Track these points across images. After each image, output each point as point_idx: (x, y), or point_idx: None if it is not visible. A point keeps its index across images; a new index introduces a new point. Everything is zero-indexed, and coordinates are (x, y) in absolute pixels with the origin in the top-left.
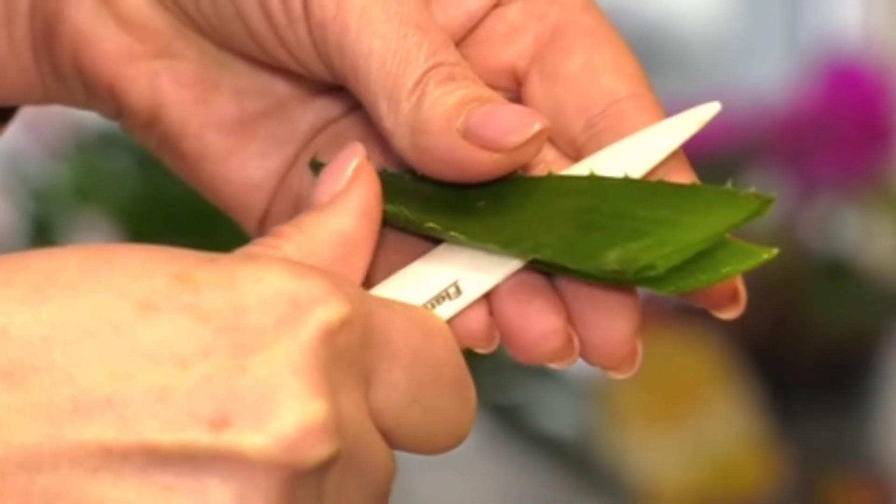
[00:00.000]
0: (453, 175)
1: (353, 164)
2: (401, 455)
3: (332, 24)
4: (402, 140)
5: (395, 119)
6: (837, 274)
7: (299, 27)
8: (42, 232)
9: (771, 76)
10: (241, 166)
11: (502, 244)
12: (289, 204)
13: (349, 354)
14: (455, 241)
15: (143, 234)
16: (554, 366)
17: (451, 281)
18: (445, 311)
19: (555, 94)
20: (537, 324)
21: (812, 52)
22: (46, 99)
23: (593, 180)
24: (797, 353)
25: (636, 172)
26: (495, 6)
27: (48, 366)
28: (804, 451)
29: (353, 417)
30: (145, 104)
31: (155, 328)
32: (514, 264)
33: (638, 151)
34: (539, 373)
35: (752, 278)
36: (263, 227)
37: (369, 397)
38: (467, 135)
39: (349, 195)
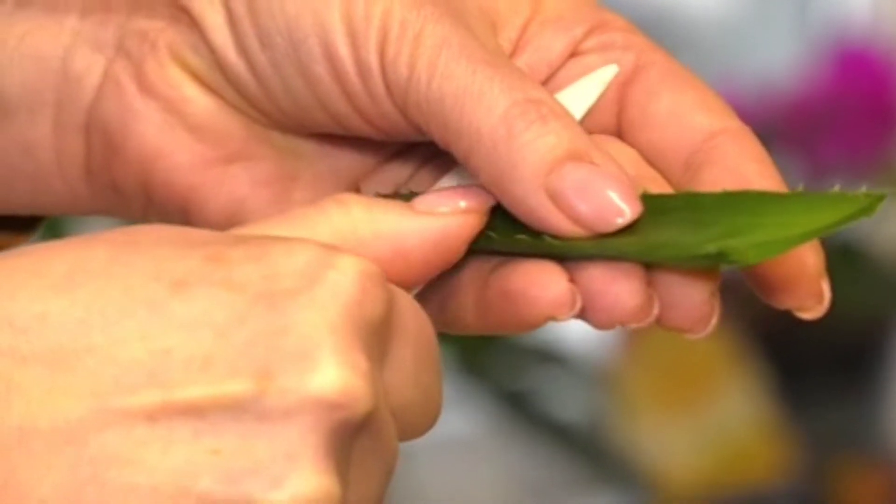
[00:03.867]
0: (535, 227)
1: (474, 202)
2: (411, 441)
3: (408, 85)
4: (485, 178)
5: (477, 157)
6: (848, 258)
7: (379, 97)
8: (50, 229)
9: (780, 59)
10: None
11: (597, 249)
12: None
13: (376, 327)
14: (550, 250)
15: None
16: (633, 326)
17: None
18: None
19: (648, 139)
20: (620, 284)
21: (821, 35)
22: (92, 211)
23: (690, 195)
24: (808, 338)
25: None
26: (571, 56)
27: (88, 348)
28: (815, 436)
29: (378, 388)
30: (223, 212)
31: (190, 303)
32: None
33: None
34: (549, 359)
35: None
36: None
37: (384, 372)
38: (558, 200)
39: (439, 220)
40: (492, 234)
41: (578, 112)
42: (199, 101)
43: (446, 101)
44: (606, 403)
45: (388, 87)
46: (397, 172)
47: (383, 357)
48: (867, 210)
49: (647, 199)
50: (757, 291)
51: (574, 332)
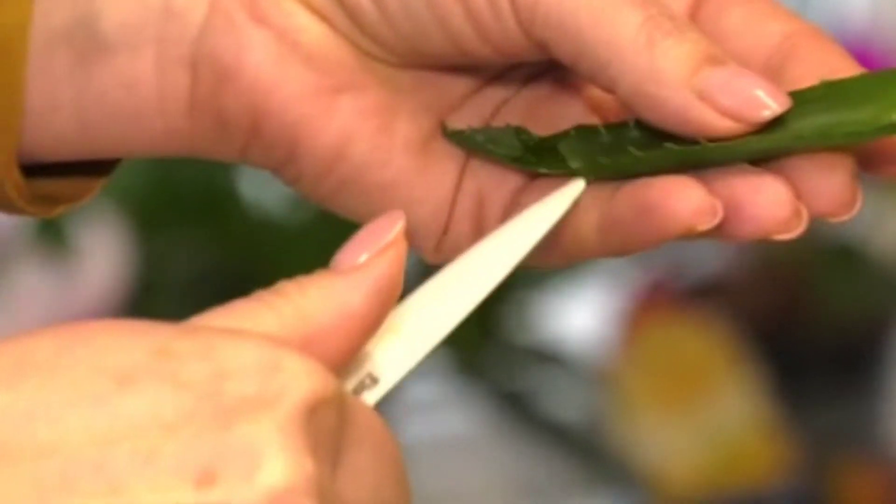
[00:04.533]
0: (681, 129)
1: (388, 237)
2: (410, 440)
3: (537, 3)
4: (628, 85)
5: (619, 66)
6: (847, 258)
7: (504, 13)
8: (50, 223)
9: None
10: (428, 186)
11: (756, 145)
12: (470, 206)
13: (326, 432)
14: (700, 155)
15: (152, 224)
16: (781, 237)
17: (366, 371)
18: (368, 399)
19: (726, 48)
20: (766, 193)
21: None
22: (187, 149)
23: (827, 84)
24: (807, 337)
25: (513, 259)
26: None
27: (33, 441)
28: (814, 436)
29: (327, 493)
30: (332, 143)
31: (137, 397)
32: (425, 347)
33: (512, 238)
34: (547, 359)
35: (761, 262)
36: (442, 244)
37: (336, 481)
38: (705, 97)
39: (369, 270)
40: (632, 149)
41: (539, 231)
42: (312, 29)
43: (581, 12)
44: (605, 403)
45: (515, 7)
46: (494, 97)
47: (335, 463)
48: None
49: (790, 94)
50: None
51: (572, 332)
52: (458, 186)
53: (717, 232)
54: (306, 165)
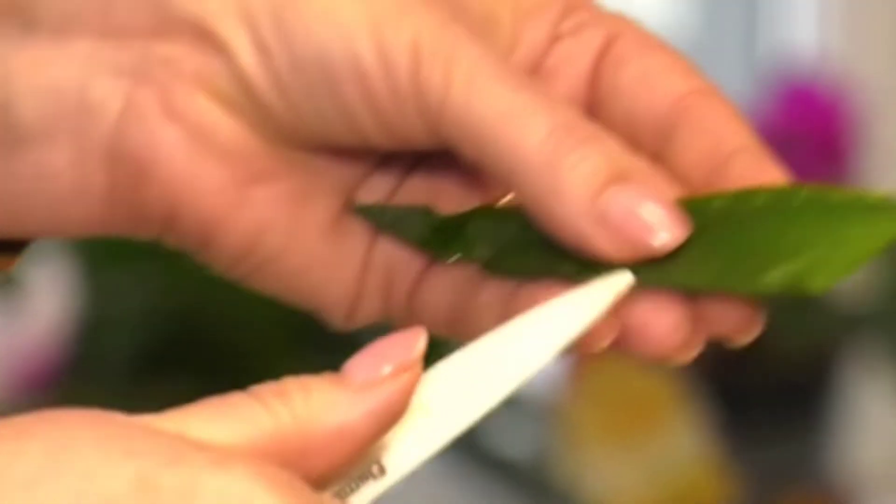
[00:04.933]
0: (579, 250)
1: (406, 357)
2: None
3: (443, 105)
4: (528, 199)
5: (521, 179)
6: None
7: (410, 117)
8: None
9: (727, 94)
10: (339, 263)
11: (643, 276)
12: (379, 281)
13: None
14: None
15: (101, 259)
16: (677, 359)
17: (374, 459)
18: (370, 491)
19: (620, 108)
20: (662, 318)
21: (768, 69)
22: (107, 232)
23: (732, 203)
24: (752, 373)
25: (549, 351)
26: (553, 42)
27: None
28: (759, 470)
29: None
30: (246, 234)
31: None
32: (440, 438)
33: (549, 327)
34: None
35: None
36: (353, 316)
37: None
38: (604, 223)
39: (378, 392)
40: (536, 250)
41: (579, 325)
42: (225, 125)
43: (487, 121)
44: (553, 439)
45: (420, 107)
46: (396, 171)
47: None
48: None
49: (688, 206)
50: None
51: None
52: (367, 261)
53: (615, 348)
54: (220, 253)
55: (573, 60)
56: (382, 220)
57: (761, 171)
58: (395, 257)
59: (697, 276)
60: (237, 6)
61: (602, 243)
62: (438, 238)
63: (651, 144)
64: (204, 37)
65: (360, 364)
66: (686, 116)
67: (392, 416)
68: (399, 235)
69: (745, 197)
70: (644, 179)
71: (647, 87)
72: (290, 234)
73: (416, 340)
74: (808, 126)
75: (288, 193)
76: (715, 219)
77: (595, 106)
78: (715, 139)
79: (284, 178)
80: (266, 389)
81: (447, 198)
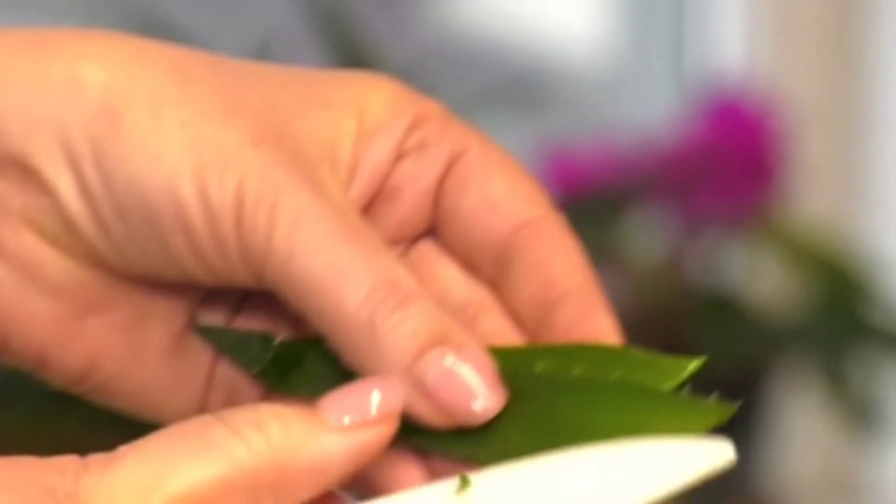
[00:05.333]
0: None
1: (387, 406)
2: None
3: (265, 257)
4: (351, 362)
5: (342, 340)
6: (722, 308)
7: (235, 264)
8: None
9: (655, 112)
10: (181, 382)
11: (458, 446)
12: (222, 398)
13: None
14: (410, 440)
15: None
16: None
17: None
18: None
19: (460, 233)
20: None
21: (695, 87)
22: None
23: (553, 367)
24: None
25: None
26: (397, 159)
27: None
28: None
29: None
30: (80, 363)
31: None
32: None
33: (638, 482)
34: None
35: (639, 312)
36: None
37: None
38: (421, 389)
39: (358, 436)
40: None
41: (668, 488)
42: (54, 262)
43: (307, 279)
44: None
45: (244, 256)
46: (236, 293)
47: None
48: (721, 421)
49: (512, 368)
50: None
51: None
52: (210, 379)
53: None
54: (56, 376)
55: (416, 179)
56: (222, 343)
57: (586, 319)
58: (238, 377)
59: (513, 448)
60: (61, 146)
61: (420, 408)
62: (276, 368)
63: (490, 273)
64: (29, 175)
65: (341, 403)
66: (520, 250)
67: (368, 459)
68: (238, 361)
69: (565, 362)
70: (463, 344)
71: (486, 213)
72: (126, 360)
73: (399, 389)
74: (735, 142)
75: (122, 322)
76: (533, 387)
77: (438, 227)
78: (545, 279)
79: (118, 307)
80: (242, 419)
81: (289, 318)
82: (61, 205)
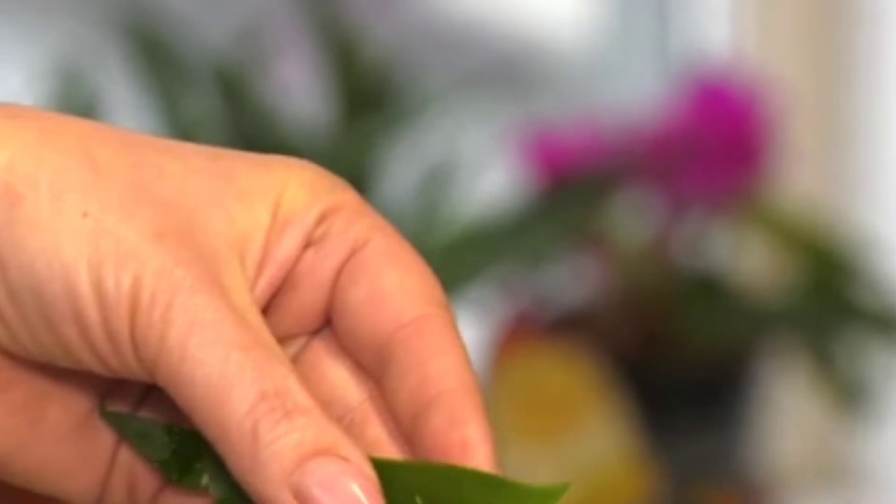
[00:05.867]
0: None
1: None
2: None
3: (157, 357)
4: (234, 471)
5: (225, 449)
6: (708, 291)
7: (128, 359)
8: None
9: (640, 93)
10: (81, 463)
11: None
12: (124, 480)
13: None
14: None
15: None
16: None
17: None
18: None
19: (348, 327)
20: None
21: (681, 68)
22: None
23: (432, 481)
24: (669, 369)
25: None
26: (306, 247)
27: None
28: (677, 466)
29: None
30: None
31: None
32: None
33: None
34: None
35: (625, 294)
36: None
37: None
38: (301, 496)
39: None
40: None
41: None
42: None
43: (195, 384)
44: None
45: (137, 353)
46: (139, 386)
47: None
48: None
49: (393, 480)
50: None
51: None
52: (112, 461)
53: None
54: None
55: (315, 270)
56: (126, 430)
57: (455, 426)
58: (139, 462)
59: None
60: None
61: None
62: (177, 459)
63: (374, 372)
64: None
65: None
66: (400, 349)
67: None
68: (140, 450)
69: (442, 485)
70: (346, 454)
71: (372, 308)
72: (24, 440)
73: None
74: (720, 125)
75: (19, 403)
76: (411, 498)
77: (332, 321)
78: (420, 380)
79: (15, 389)
80: None
81: None
82: None
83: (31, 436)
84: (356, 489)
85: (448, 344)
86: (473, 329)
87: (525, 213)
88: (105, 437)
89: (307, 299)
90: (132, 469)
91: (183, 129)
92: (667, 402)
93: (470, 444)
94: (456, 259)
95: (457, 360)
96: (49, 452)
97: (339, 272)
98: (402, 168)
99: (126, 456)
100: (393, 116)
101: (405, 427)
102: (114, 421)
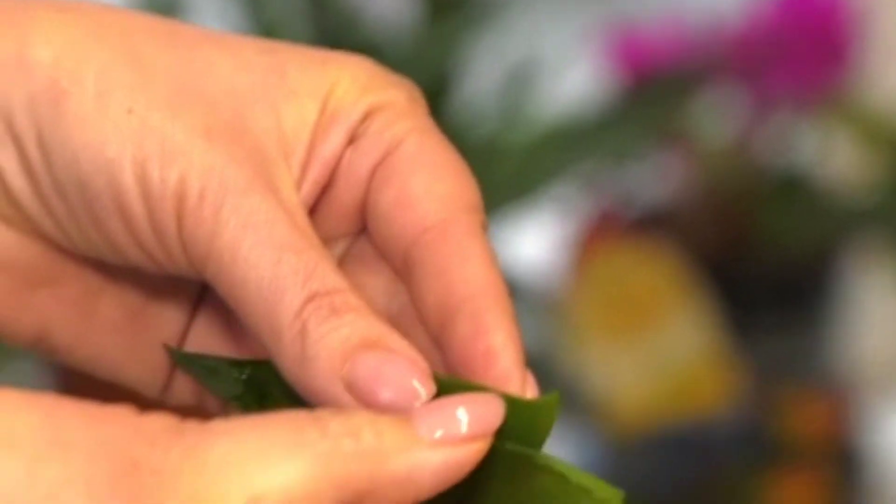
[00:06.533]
0: None
1: (481, 425)
2: None
3: (207, 255)
4: (284, 370)
5: (276, 349)
6: (793, 189)
7: (175, 256)
8: None
9: None
10: (137, 359)
11: None
12: (187, 379)
13: None
14: None
15: None
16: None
17: None
18: None
19: (378, 232)
20: None
21: None
22: None
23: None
24: (754, 267)
25: None
26: (350, 143)
27: None
28: (760, 364)
29: None
30: (31, 333)
31: None
32: None
33: None
34: None
35: (710, 192)
36: (167, 398)
37: None
38: (352, 388)
39: (454, 452)
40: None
41: None
42: (1, 236)
43: (248, 288)
44: (554, 333)
45: (185, 250)
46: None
47: None
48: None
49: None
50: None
51: (522, 262)
52: (174, 361)
53: None
54: (8, 342)
55: (353, 169)
56: (196, 370)
57: (480, 335)
58: (213, 348)
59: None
60: (4, 122)
61: (349, 406)
62: (250, 392)
63: (403, 278)
64: None
65: (433, 417)
66: (424, 255)
67: (457, 477)
68: (214, 390)
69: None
70: (395, 347)
71: (399, 214)
72: (78, 331)
73: (496, 406)
74: (807, 21)
75: (73, 296)
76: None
77: (367, 224)
78: (445, 287)
79: (68, 282)
80: (337, 424)
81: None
82: (3, 180)
83: (86, 327)
84: (408, 378)
85: (473, 249)
86: (556, 228)
87: (609, 111)
88: (161, 334)
89: (345, 199)
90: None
91: (266, 28)
92: (750, 301)
93: (493, 353)
94: (539, 158)
95: (481, 265)
96: (104, 343)
97: (374, 173)
98: (485, 68)
99: (196, 346)
100: (475, 16)
101: (434, 335)
102: (183, 361)
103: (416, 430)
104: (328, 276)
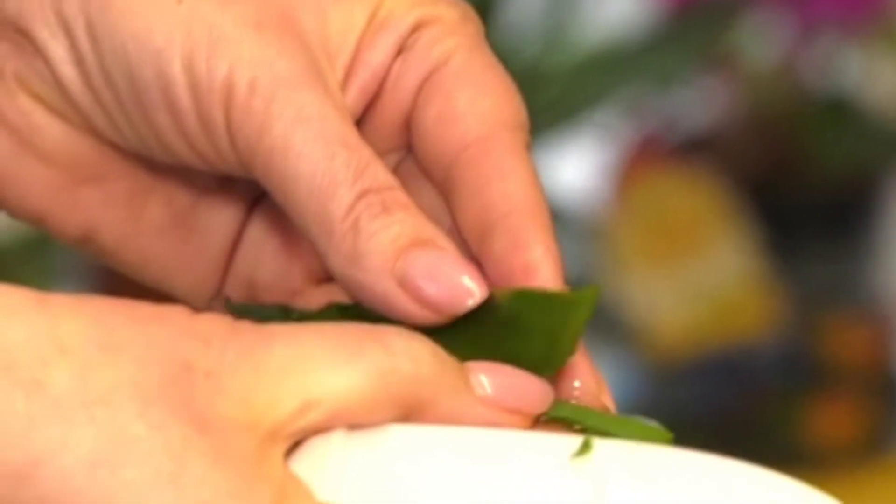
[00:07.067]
0: (387, 315)
1: (531, 404)
2: None
3: (257, 148)
4: (334, 266)
5: (326, 244)
6: (838, 113)
7: (224, 150)
8: None
9: None
10: (186, 266)
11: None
12: (244, 277)
13: None
14: None
15: None
16: None
17: None
18: None
19: (421, 148)
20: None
21: None
22: None
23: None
24: (797, 192)
25: None
26: (398, 54)
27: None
28: (804, 291)
29: None
30: (79, 230)
31: None
32: None
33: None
34: None
35: (753, 116)
36: (214, 306)
37: None
38: (405, 284)
39: (496, 417)
40: (347, 313)
41: None
42: (49, 127)
43: (300, 182)
44: (596, 259)
45: (233, 144)
46: (245, 191)
47: None
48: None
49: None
50: None
51: (563, 187)
52: (224, 268)
53: None
54: (57, 237)
55: (399, 81)
56: (245, 317)
57: (518, 250)
58: (263, 272)
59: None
60: (55, 10)
61: (405, 304)
62: None
63: (445, 195)
64: (24, 38)
65: (496, 377)
66: (464, 172)
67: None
68: None
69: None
70: (444, 245)
71: (442, 130)
72: (124, 232)
73: (548, 398)
74: None
75: (119, 195)
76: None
77: (411, 140)
78: (484, 203)
79: (115, 179)
80: (400, 345)
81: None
82: (54, 69)
83: (134, 228)
84: (459, 275)
85: (514, 165)
86: (599, 153)
87: (653, 35)
88: (211, 241)
89: (392, 112)
90: (251, 281)
91: None
92: (794, 226)
93: (532, 268)
94: (582, 82)
95: (521, 181)
96: (151, 246)
97: (420, 88)
98: None
99: (244, 266)
100: None
101: (474, 251)
102: (234, 310)
103: (473, 381)
104: (380, 173)
